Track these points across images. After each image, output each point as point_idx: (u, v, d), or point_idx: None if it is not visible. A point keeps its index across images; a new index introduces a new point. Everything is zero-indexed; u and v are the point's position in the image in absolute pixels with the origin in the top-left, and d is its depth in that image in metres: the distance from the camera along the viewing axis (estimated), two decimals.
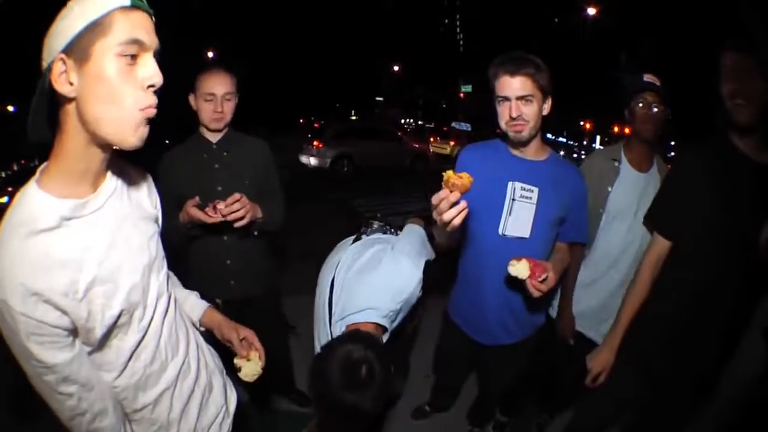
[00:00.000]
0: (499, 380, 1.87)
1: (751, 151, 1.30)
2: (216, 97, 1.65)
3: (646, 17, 20.49)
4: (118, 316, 0.79)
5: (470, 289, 1.63)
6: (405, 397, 2.18)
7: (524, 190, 1.45)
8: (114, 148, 0.76)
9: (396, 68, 34.43)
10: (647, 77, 1.73)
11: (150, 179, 0.97)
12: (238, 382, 1.11)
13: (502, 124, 1.45)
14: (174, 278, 1.07)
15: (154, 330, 0.87)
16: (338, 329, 1.25)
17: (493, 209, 1.48)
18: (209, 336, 1.14)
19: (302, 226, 5.07)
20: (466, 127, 19.01)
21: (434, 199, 1.08)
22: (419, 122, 33.33)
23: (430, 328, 2.14)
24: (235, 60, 20.12)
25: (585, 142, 50.43)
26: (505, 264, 1.34)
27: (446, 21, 39.91)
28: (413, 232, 1.47)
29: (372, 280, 1.27)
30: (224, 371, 1.15)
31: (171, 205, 1.66)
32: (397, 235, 1.60)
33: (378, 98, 36.77)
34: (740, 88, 1.22)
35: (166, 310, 0.92)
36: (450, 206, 1.06)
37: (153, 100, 0.75)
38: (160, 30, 0.77)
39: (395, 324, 1.28)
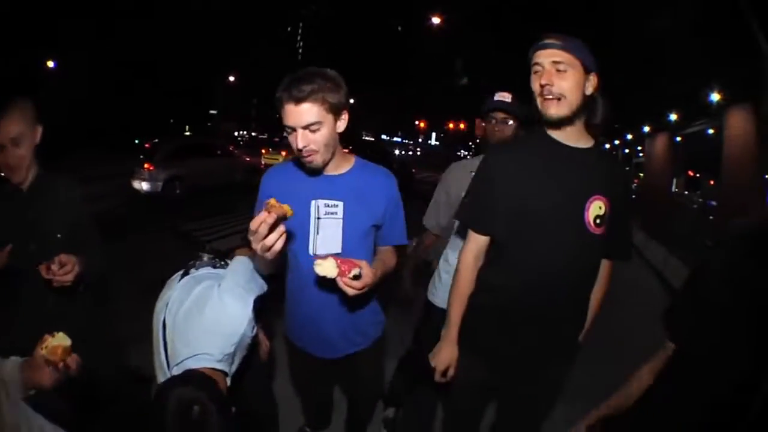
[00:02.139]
0: (361, 388, 1.86)
1: (566, 139, 1.31)
2: (5, 146, 1.51)
3: (485, 27, 22.58)
4: None
5: (302, 308, 1.59)
6: (285, 421, 2.09)
7: (328, 206, 1.42)
8: None
9: (231, 78, 32.89)
10: (498, 95, 1.85)
11: None
12: None
13: (294, 151, 1.35)
14: None
15: None
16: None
17: (303, 230, 1.44)
18: (52, 414, 1.09)
19: (139, 259, 4.53)
20: None
21: (253, 224, 1.07)
22: (252, 134, 32.12)
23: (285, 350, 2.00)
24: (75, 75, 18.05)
25: (420, 140, 57.07)
26: (325, 281, 1.27)
27: (289, 29, 39.49)
28: (240, 266, 1.36)
29: (200, 324, 1.20)
30: None
31: None
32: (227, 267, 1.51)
33: (212, 111, 34.62)
34: (549, 85, 1.23)
35: None
36: (269, 230, 1.07)
37: None
38: None
39: (235, 365, 1.26)
